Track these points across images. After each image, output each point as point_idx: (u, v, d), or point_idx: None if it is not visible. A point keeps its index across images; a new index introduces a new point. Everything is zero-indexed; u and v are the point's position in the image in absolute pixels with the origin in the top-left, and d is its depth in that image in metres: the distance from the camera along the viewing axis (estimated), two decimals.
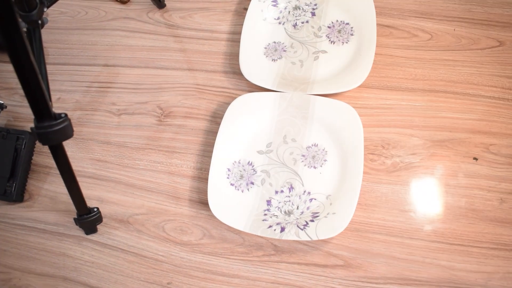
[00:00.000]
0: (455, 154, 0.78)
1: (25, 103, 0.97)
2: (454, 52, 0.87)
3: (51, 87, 0.95)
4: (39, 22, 0.70)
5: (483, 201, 0.74)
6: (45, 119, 0.56)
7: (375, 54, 0.85)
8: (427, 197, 0.75)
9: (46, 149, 0.91)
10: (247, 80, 0.87)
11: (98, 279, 0.78)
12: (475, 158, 0.77)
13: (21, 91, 0.98)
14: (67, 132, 0.59)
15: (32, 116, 0.89)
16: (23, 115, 0.95)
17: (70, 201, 0.84)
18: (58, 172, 0.87)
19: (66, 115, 0.58)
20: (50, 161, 0.89)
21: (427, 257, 0.71)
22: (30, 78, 0.51)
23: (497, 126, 0.80)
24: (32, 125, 0.57)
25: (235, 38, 0.95)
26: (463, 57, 0.86)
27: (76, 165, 0.87)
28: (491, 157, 0.77)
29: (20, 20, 0.50)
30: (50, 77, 0.97)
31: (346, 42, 0.89)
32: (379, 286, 0.70)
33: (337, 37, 0.90)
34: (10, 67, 1.01)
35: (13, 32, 0.46)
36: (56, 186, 0.87)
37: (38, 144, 0.90)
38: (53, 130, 0.57)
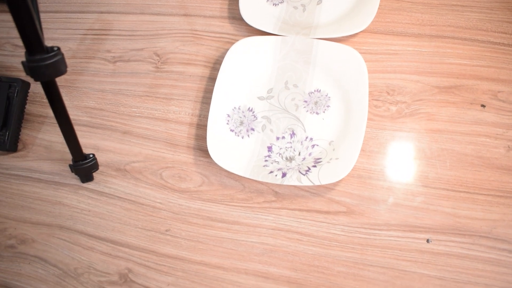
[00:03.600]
0: (462, 100, 0.76)
1: (16, 52, 0.93)
2: None
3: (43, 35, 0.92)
4: None
5: (489, 149, 0.72)
6: (37, 51, 0.53)
7: None
8: (432, 144, 0.73)
9: (39, 98, 0.88)
10: (247, 25, 0.83)
11: (95, 227, 0.76)
12: (482, 105, 0.75)
13: (13, 41, 0.95)
14: (60, 67, 0.56)
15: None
16: (15, 65, 0.92)
17: (66, 150, 0.82)
18: (52, 121, 0.85)
19: (58, 48, 0.55)
20: (44, 110, 0.87)
21: (431, 204, 0.70)
22: (20, 3, 0.48)
23: (506, 73, 0.77)
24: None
25: None
26: (472, 2, 0.83)
27: (70, 113, 0.84)
28: (499, 104, 0.75)
29: None
30: (42, 26, 0.94)
31: None
32: (382, 232, 0.69)
33: None
34: (0, 16, 0.98)
35: None
36: (50, 135, 0.85)
37: (31, 93, 0.88)
38: (45, 64, 0.54)
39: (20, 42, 0.94)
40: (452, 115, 0.75)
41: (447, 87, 0.77)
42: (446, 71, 0.78)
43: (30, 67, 0.54)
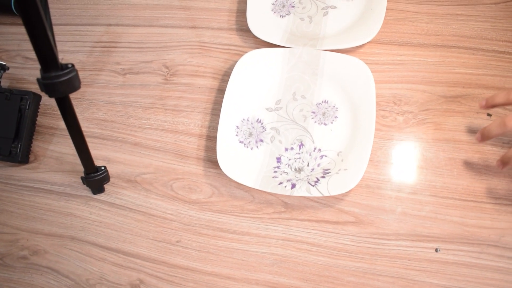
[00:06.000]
0: (468, 110, 0.76)
1: (27, 65, 0.95)
2: (467, 7, 0.84)
3: None
4: None
5: (497, 157, 0.73)
6: (52, 69, 0.55)
7: (386, 9, 0.82)
8: (439, 153, 0.74)
9: (50, 110, 0.89)
10: (255, 37, 0.84)
11: (106, 238, 0.77)
12: (489, 114, 0.76)
13: (23, 53, 0.96)
14: (74, 84, 0.57)
15: (35, 77, 0.88)
16: (26, 77, 0.94)
17: (77, 161, 0.83)
18: (63, 133, 0.87)
19: (73, 65, 0.56)
20: (55, 122, 0.88)
21: (439, 213, 0.70)
22: (36, 22, 0.50)
23: (511, 81, 0.78)
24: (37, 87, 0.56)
25: None
26: (476, 12, 0.84)
27: (81, 125, 0.86)
28: (504, 113, 0.75)
29: None
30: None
31: None
32: (391, 242, 0.70)
33: None
34: (11, 29, 1.00)
35: None
36: (61, 147, 0.86)
37: (42, 105, 0.89)
38: (60, 80, 0.55)
39: (30, 55, 0.95)
40: (458, 124, 0.76)
41: (453, 96, 0.77)
42: (452, 80, 0.79)
43: (45, 84, 0.55)
